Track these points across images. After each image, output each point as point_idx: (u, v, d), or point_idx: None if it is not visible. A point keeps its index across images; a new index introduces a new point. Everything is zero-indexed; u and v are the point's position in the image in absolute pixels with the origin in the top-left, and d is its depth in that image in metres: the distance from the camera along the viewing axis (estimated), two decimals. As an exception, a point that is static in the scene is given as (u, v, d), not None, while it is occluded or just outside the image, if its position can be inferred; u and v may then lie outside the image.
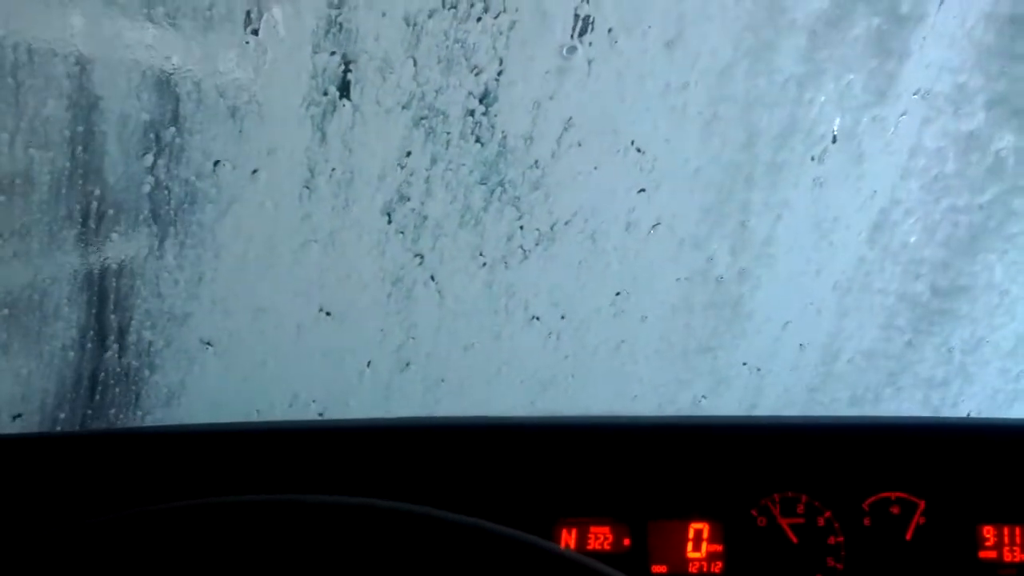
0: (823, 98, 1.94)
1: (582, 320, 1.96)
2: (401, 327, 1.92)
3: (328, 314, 1.95)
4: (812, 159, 1.92)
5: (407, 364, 1.99)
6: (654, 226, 1.89)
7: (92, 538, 0.66)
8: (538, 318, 1.91)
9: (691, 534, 1.15)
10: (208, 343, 1.93)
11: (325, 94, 1.67)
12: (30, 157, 1.68)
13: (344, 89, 1.57)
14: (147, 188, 1.78)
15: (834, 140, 1.92)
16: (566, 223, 1.80)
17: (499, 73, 1.51)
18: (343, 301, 1.94)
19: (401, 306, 1.92)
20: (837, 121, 2.03)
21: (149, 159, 1.75)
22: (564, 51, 1.48)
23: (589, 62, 1.55)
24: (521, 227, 1.84)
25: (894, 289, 2.16)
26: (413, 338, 1.95)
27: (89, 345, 1.83)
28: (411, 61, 1.53)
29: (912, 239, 2.12)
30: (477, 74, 1.53)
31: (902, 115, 2.04)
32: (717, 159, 1.93)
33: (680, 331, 2.04)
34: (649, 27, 1.61)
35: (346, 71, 1.56)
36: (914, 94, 2.04)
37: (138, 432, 1.34)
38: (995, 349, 2.26)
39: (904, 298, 2.18)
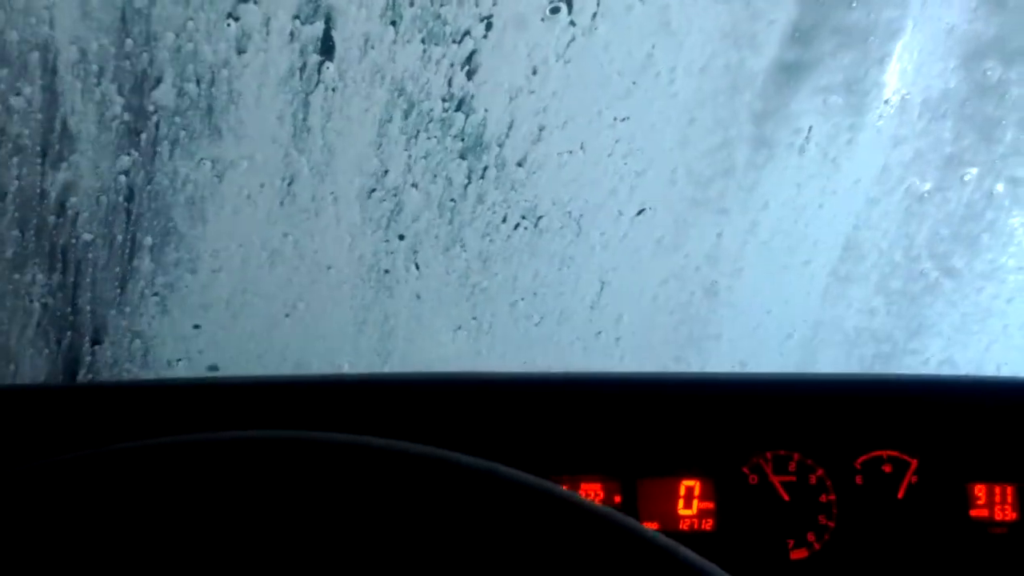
0: (810, 85, 1.95)
1: (565, 305, 1.94)
2: (382, 309, 1.90)
3: (304, 303, 1.93)
4: (801, 138, 1.92)
5: (388, 355, 1.97)
6: (639, 212, 1.89)
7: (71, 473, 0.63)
8: (522, 300, 1.89)
9: (682, 491, 1.13)
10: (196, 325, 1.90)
11: (303, 69, 1.66)
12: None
13: (326, 52, 1.55)
14: (120, 175, 1.76)
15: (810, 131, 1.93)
16: (553, 203, 1.79)
17: (487, 29, 1.50)
18: (318, 287, 1.92)
19: (382, 289, 1.90)
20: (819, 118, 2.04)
21: (121, 137, 1.73)
22: (548, 11, 1.47)
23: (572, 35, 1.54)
24: (507, 213, 1.83)
25: (880, 277, 2.17)
26: (393, 322, 1.93)
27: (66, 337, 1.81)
28: (391, 28, 1.52)
29: (895, 230, 2.13)
30: (459, 42, 1.52)
31: (885, 110, 2.06)
32: (704, 145, 1.93)
33: (664, 316, 2.03)
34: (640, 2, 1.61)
35: (327, 33, 1.55)
36: (901, 92, 2.06)
37: (129, 385, 1.31)
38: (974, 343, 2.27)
39: (891, 287, 2.18)
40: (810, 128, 1.96)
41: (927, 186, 2.18)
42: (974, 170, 2.17)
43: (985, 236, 2.25)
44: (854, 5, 1.98)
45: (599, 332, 2.06)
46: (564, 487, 1.13)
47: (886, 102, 1.96)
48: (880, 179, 2.16)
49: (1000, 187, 2.18)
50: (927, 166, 2.15)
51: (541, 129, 1.71)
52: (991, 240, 2.25)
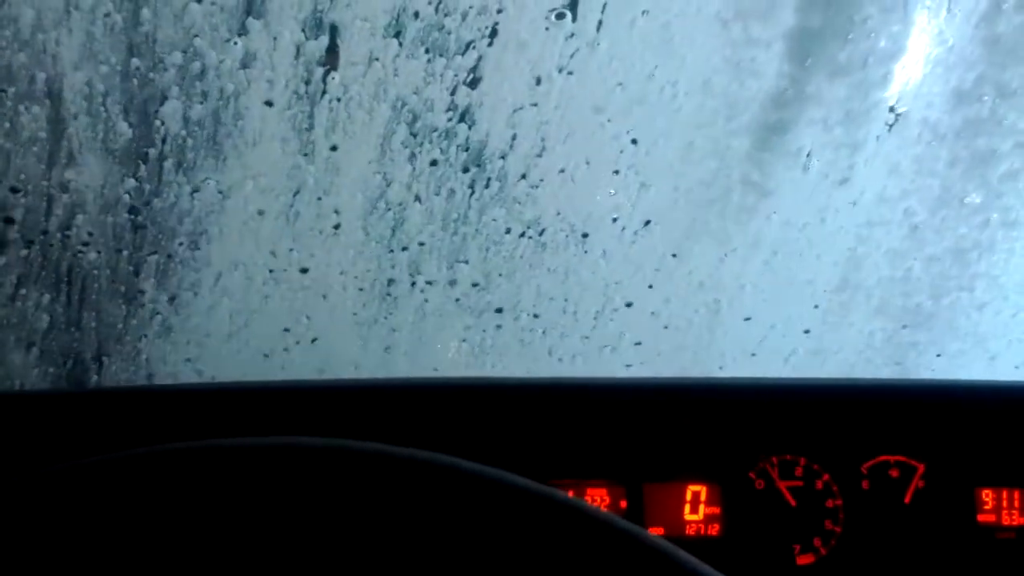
0: (812, 104, 1.96)
1: (568, 318, 1.94)
2: (386, 323, 1.90)
3: (308, 318, 1.93)
4: (806, 156, 1.93)
5: (392, 367, 1.97)
6: (646, 223, 1.89)
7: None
8: (525, 313, 1.89)
9: (688, 496, 1.13)
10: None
11: (308, 83, 1.67)
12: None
13: (331, 66, 1.56)
14: (125, 191, 1.77)
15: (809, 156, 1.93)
16: (557, 214, 1.80)
17: (492, 37, 1.50)
18: (322, 302, 1.92)
19: (386, 302, 1.90)
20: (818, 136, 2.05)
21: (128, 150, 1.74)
22: (553, 16, 1.48)
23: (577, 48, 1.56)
24: (511, 225, 1.83)
25: (881, 295, 2.17)
26: (397, 335, 1.93)
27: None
28: (396, 42, 1.53)
29: (897, 248, 2.13)
30: (463, 54, 1.53)
31: (892, 123, 2.06)
32: (707, 162, 1.93)
33: (669, 332, 2.03)
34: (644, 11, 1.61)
35: (332, 47, 1.56)
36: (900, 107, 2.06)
37: (136, 391, 1.30)
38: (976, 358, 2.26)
39: (892, 306, 2.18)
40: (811, 149, 1.97)
41: (929, 204, 2.19)
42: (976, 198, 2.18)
43: (986, 256, 2.25)
44: (850, 37, 1.99)
45: (604, 346, 2.06)
46: (570, 492, 1.13)
47: (891, 109, 1.96)
48: (881, 198, 2.16)
49: (997, 215, 2.19)
50: (929, 185, 2.15)
51: (543, 140, 1.72)
52: (992, 258, 2.25)
